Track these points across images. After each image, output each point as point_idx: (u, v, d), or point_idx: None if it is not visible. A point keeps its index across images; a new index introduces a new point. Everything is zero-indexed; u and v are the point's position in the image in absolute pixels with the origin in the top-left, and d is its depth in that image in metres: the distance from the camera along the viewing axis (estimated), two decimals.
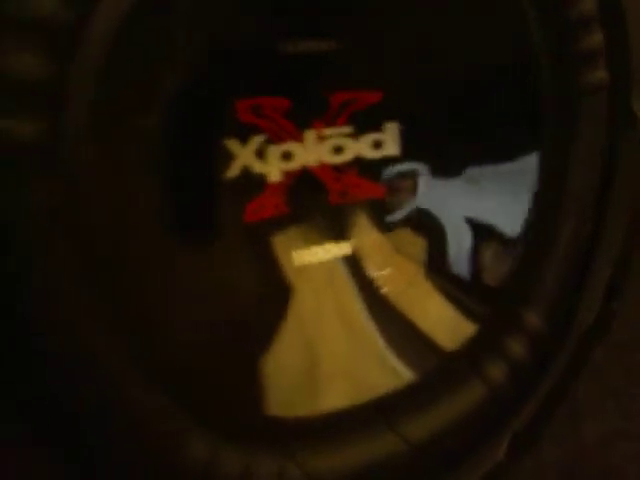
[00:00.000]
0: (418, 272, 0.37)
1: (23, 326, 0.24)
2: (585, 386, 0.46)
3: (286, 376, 0.32)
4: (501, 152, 0.37)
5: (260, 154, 0.31)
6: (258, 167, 0.31)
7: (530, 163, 0.37)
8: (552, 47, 0.36)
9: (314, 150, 0.33)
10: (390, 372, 0.35)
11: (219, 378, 0.30)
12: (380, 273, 0.36)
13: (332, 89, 0.33)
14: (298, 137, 0.32)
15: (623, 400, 0.49)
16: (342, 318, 0.35)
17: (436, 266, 0.37)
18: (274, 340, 0.32)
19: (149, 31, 0.26)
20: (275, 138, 0.31)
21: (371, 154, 0.34)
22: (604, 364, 0.48)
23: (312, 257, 0.34)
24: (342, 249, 0.35)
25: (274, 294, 0.33)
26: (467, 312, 0.37)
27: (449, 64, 0.35)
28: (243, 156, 0.30)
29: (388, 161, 0.35)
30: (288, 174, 0.32)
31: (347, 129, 0.33)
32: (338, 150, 0.33)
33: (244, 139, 0.30)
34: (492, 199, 0.37)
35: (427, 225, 0.37)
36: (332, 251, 0.34)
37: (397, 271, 0.36)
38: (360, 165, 0.34)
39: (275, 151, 0.31)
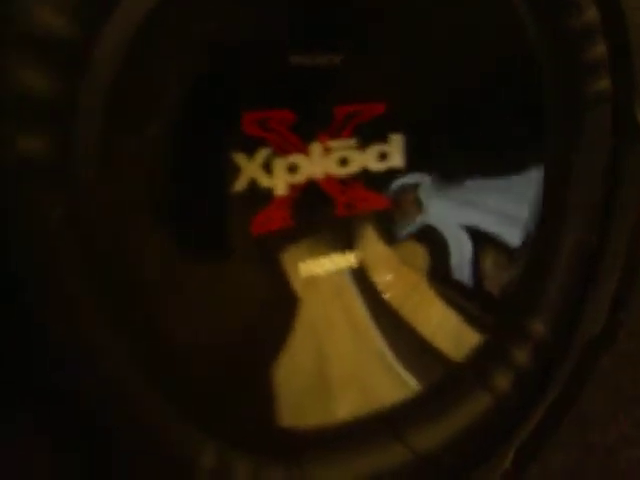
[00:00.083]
0: (423, 282, 0.37)
1: (24, 317, 0.24)
2: (592, 394, 0.46)
3: (295, 386, 0.32)
4: (505, 163, 0.37)
5: (266, 167, 0.31)
6: (265, 180, 0.31)
7: (534, 174, 0.37)
8: (555, 58, 0.36)
9: (320, 162, 0.33)
10: (398, 383, 0.35)
11: (228, 387, 0.30)
12: (386, 283, 0.36)
13: (336, 101, 0.33)
14: (304, 150, 0.32)
15: (630, 408, 0.49)
16: (350, 329, 0.35)
17: (440, 277, 0.37)
18: (283, 351, 0.32)
19: (157, 47, 0.27)
20: (281, 151, 0.31)
21: (376, 166, 0.34)
22: (611, 372, 0.48)
23: (319, 268, 0.34)
24: (349, 260, 0.35)
25: (282, 305, 0.33)
26: (472, 322, 0.37)
27: (452, 75, 0.35)
28: (250, 169, 0.30)
29: (393, 173, 0.35)
30: (294, 187, 0.32)
31: (352, 141, 0.33)
32: (344, 162, 0.33)
33: (250, 152, 0.30)
34: (495, 209, 0.38)
35: (431, 236, 0.37)
36: (339, 262, 0.35)
37: (403, 282, 0.36)
38: (366, 177, 0.34)
39: (281, 164, 0.31)
